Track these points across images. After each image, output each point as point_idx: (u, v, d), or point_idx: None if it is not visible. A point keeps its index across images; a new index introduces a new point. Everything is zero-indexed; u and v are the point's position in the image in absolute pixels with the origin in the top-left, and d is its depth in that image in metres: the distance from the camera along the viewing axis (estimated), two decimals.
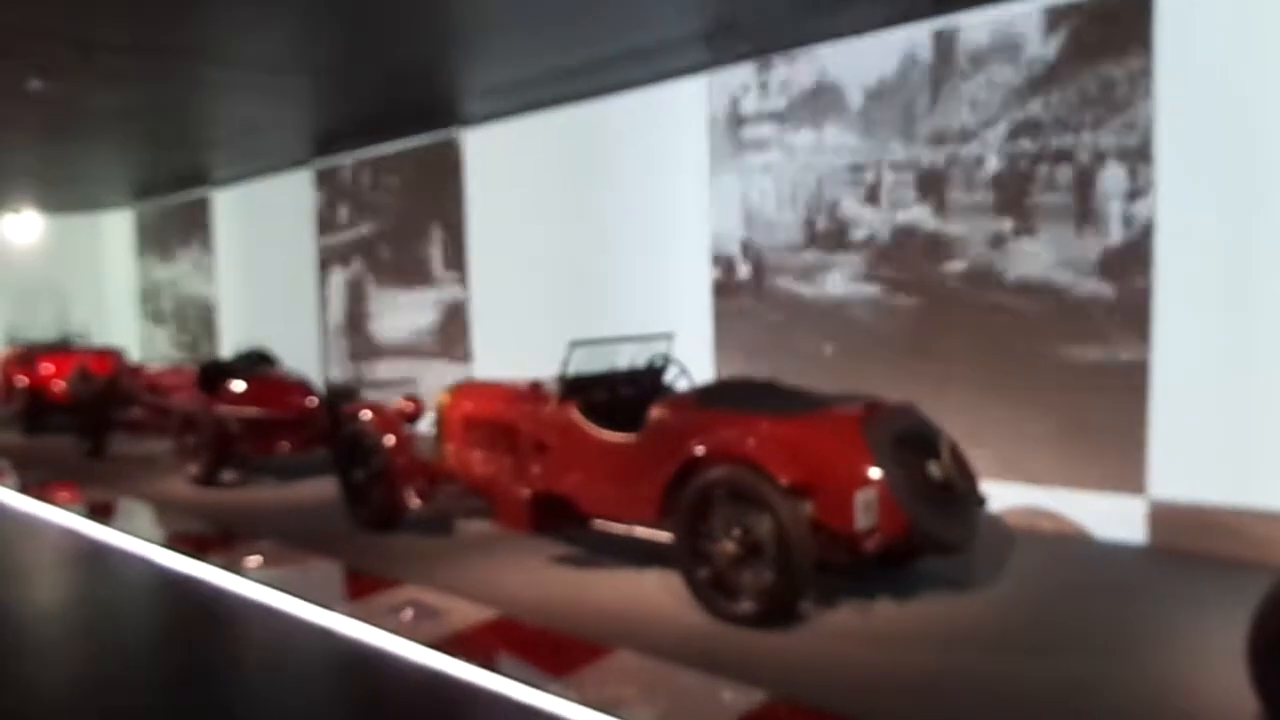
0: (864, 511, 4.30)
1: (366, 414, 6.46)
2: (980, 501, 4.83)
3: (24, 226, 17.95)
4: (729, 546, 4.45)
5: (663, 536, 4.96)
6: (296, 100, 9.36)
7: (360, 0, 6.50)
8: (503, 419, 5.88)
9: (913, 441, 4.71)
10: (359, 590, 5.29)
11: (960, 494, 4.67)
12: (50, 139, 11.13)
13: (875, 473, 4.40)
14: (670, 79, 8.24)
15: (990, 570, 5.23)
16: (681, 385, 5.99)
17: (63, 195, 16.39)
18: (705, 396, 5.09)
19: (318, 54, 7.98)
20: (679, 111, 8.25)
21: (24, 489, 8.50)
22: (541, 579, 5.30)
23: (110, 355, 11.73)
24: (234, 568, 5.76)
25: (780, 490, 4.30)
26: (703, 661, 4.05)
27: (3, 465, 9.82)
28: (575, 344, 5.46)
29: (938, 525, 4.50)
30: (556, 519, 5.42)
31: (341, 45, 7.67)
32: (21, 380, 12.01)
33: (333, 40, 7.53)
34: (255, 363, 9.58)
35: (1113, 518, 5.82)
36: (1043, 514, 6.07)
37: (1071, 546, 5.87)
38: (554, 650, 4.34)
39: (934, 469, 4.61)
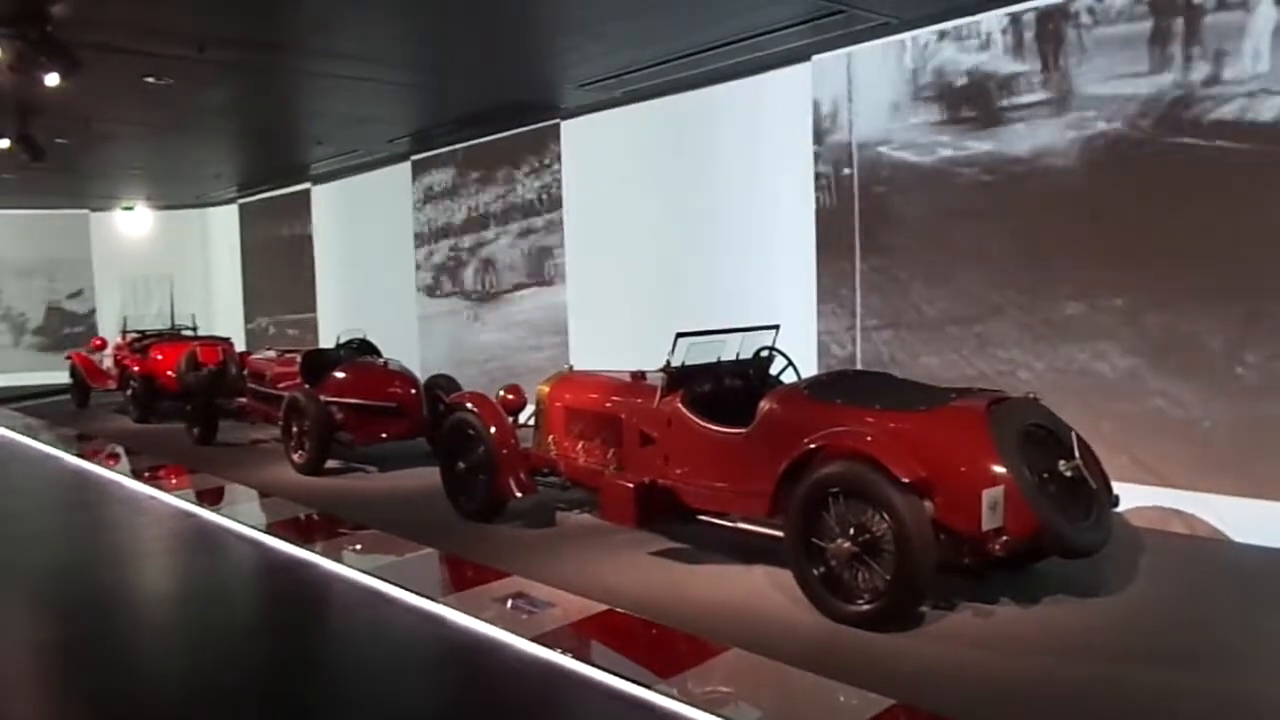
0: (990, 511, 4.08)
1: (469, 404, 6.45)
2: (1113, 501, 4.55)
3: (137, 221, 18.72)
4: (844, 545, 4.28)
5: (774, 532, 4.81)
6: (397, 94, 9.46)
7: None
8: (606, 410, 5.81)
9: (1041, 437, 4.47)
10: (464, 580, 5.28)
11: (1092, 493, 4.40)
12: (161, 135, 11.52)
13: (1002, 470, 4.17)
14: (773, 68, 8.06)
15: (1121, 573, 4.93)
16: (788, 378, 5.83)
17: (172, 190, 17.03)
18: (818, 389, 4.91)
19: (419, 47, 8.04)
20: (782, 98, 8.05)
21: (136, 473, 8.80)
22: (647, 573, 5.20)
23: (218, 344, 12.06)
24: (338, 554, 5.82)
25: (899, 487, 4.11)
26: (817, 663, 3.90)
27: (117, 450, 10.20)
28: (681, 335, 5.35)
29: (1069, 526, 4.25)
30: (662, 512, 5.30)
31: (443, 39, 7.70)
32: (134, 368, 12.47)
33: (434, 33, 7.57)
34: (357, 352, 9.74)
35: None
36: (1178, 514, 5.73)
37: (1208, 549, 5.53)
38: (662, 646, 4.24)
39: (1064, 466, 4.36)
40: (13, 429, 12.03)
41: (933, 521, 4.14)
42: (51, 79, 6.86)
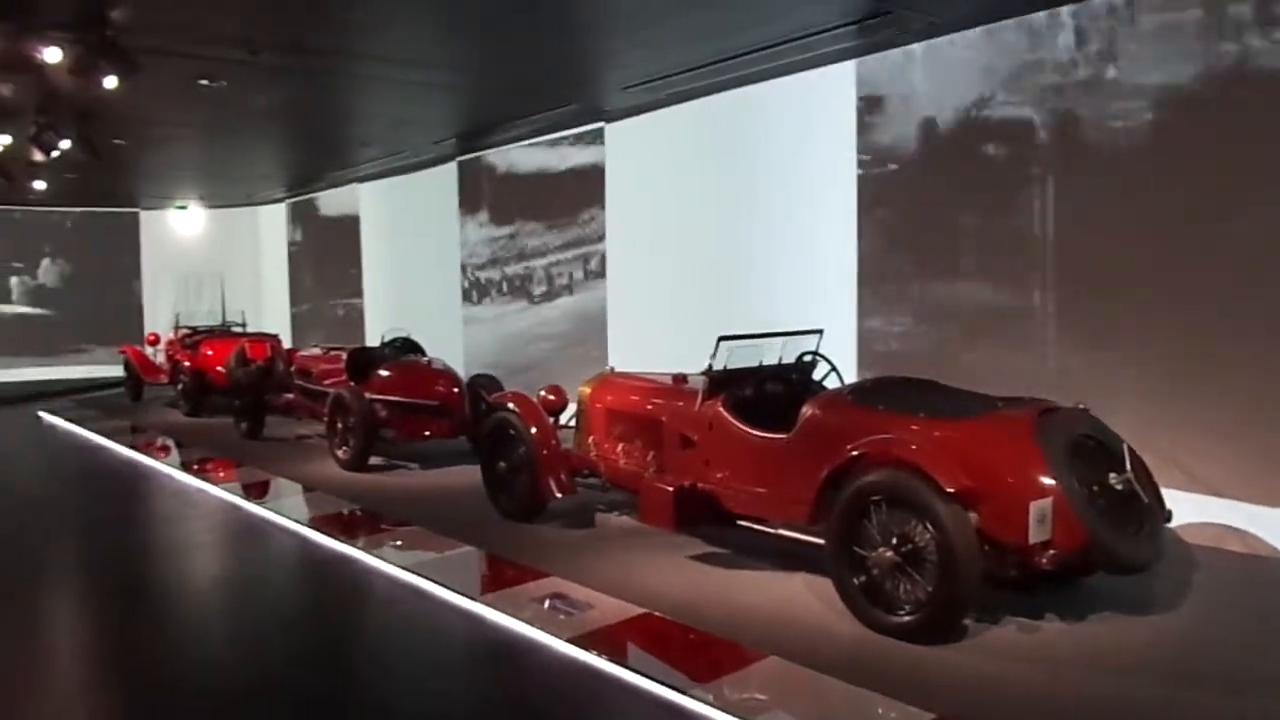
0: (1038, 523, 3.99)
1: (510, 403, 6.48)
2: (1166, 516, 4.44)
3: (190, 219, 19.11)
4: (886, 554, 4.21)
5: (814, 540, 4.75)
6: (442, 96, 9.55)
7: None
8: (646, 412, 5.80)
9: (1091, 449, 4.37)
10: (503, 579, 5.30)
11: (1144, 507, 4.29)
12: (214, 136, 11.75)
13: (1050, 481, 4.08)
14: (817, 66, 7.99)
15: (1174, 590, 4.80)
16: (831, 383, 5.77)
17: (223, 189, 17.36)
18: (861, 395, 4.85)
19: (464, 50, 8.10)
20: (827, 97, 7.98)
21: (186, 466, 8.97)
22: (685, 577, 5.18)
23: (266, 340, 12.25)
24: (380, 550, 5.87)
25: (944, 497, 4.04)
26: (856, 674, 3.84)
27: (168, 443, 10.41)
28: (723, 339, 5.31)
29: (1120, 541, 4.14)
30: (701, 516, 5.27)
31: (488, 42, 7.75)
32: (185, 363, 12.71)
33: (480, 37, 7.62)
34: (401, 350, 9.83)
35: None
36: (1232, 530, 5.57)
37: (1268, 567, 5.37)
38: (699, 651, 4.22)
39: (1115, 479, 4.25)
40: (71, 420, 12.34)
41: (978, 533, 4.07)
42: (110, 82, 7.01)
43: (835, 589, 4.48)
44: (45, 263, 18.59)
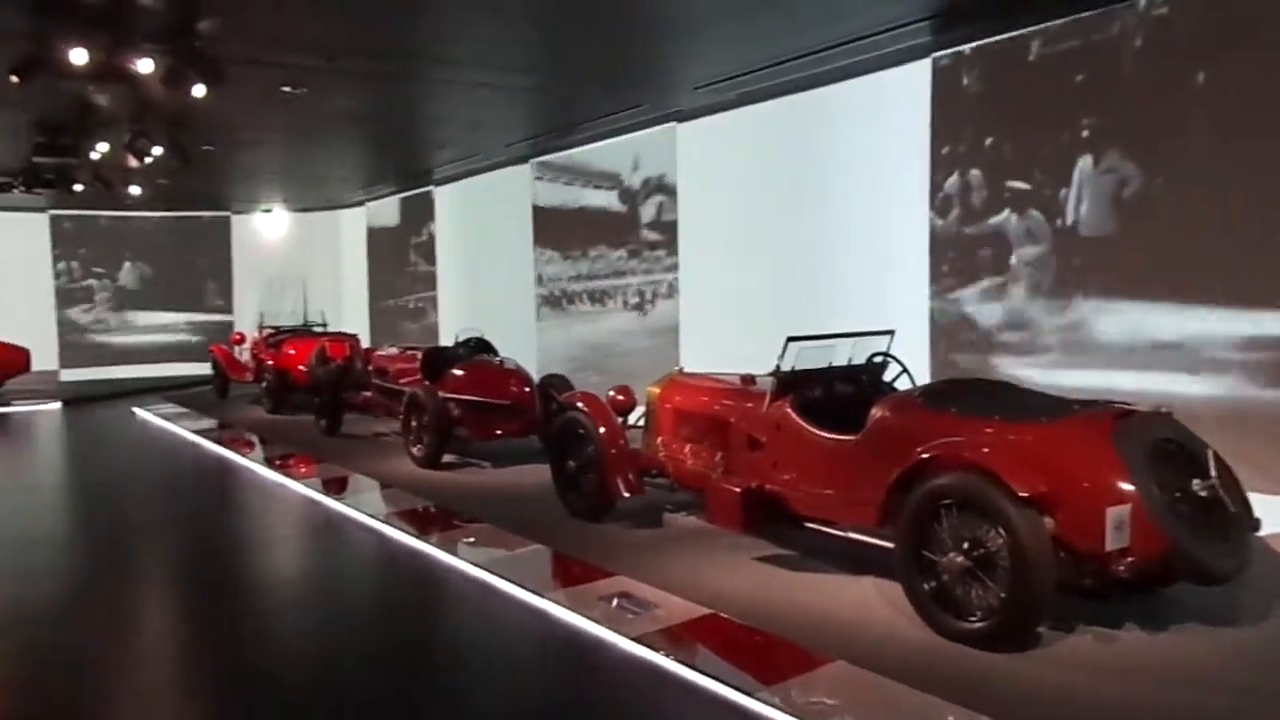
0: (1115, 530, 3.88)
1: (579, 403, 6.54)
2: (1254, 525, 4.27)
3: (273, 223, 19.72)
4: (957, 559, 4.14)
5: (883, 543, 4.70)
6: (515, 98, 9.67)
7: (578, 2, 6.59)
8: (714, 413, 5.79)
9: (1172, 453, 4.22)
10: (571, 577, 5.35)
11: (1230, 515, 4.14)
12: (295, 141, 12.11)
13: (1129, 487, 3.96)
14: (890, 66, 7.89)
15: (1261, 602, 4.62)
16: (902, 384, 5.69)
17: (305, 193, 17.87)
18: (932, 397, 4.77)
19: (537, 53, 8.20)
20: (900, 97, 7.87)
21: (269, 461, 9.26)
22: (751, 578, 5.16)
23: (346, 340, 12.55)
24: (452, 547, 5.99)
25: (1017, 502, 3.95)
26: (924, 680, 3.78)
27: (252, 439, 10.76)
28: (791, 339, 5.28)
29: (1203, 550, 4.00)
30: (768, 518, 5.26)
31: (560, 44, 7.83)
32: (269, 362, 13.12)
33: (552, 39, 7.71)
34: (475, 350, 9.99)
35: None
36: None
37: None
38: (765, 654, 4.20)
39: (1199, 486, 4.11)
40: (162, 416, 12.84)
41: (1052, 539, 3.97)
42: (198, 90, 7.28)
43: (904, 593, 4.42)
44: (137, 264, 19.37)
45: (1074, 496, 3.99)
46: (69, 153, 10.79)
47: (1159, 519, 3.93)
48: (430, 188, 15.80)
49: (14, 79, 6.82)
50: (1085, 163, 6.49)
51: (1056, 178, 6.68)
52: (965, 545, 4.12)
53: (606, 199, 11.80)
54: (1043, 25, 6.67)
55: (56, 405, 14.51)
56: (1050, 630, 4.21)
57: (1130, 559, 3.91)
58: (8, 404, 14.34)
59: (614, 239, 11.73)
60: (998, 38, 6.97)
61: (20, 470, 10.30)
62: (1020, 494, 3.94)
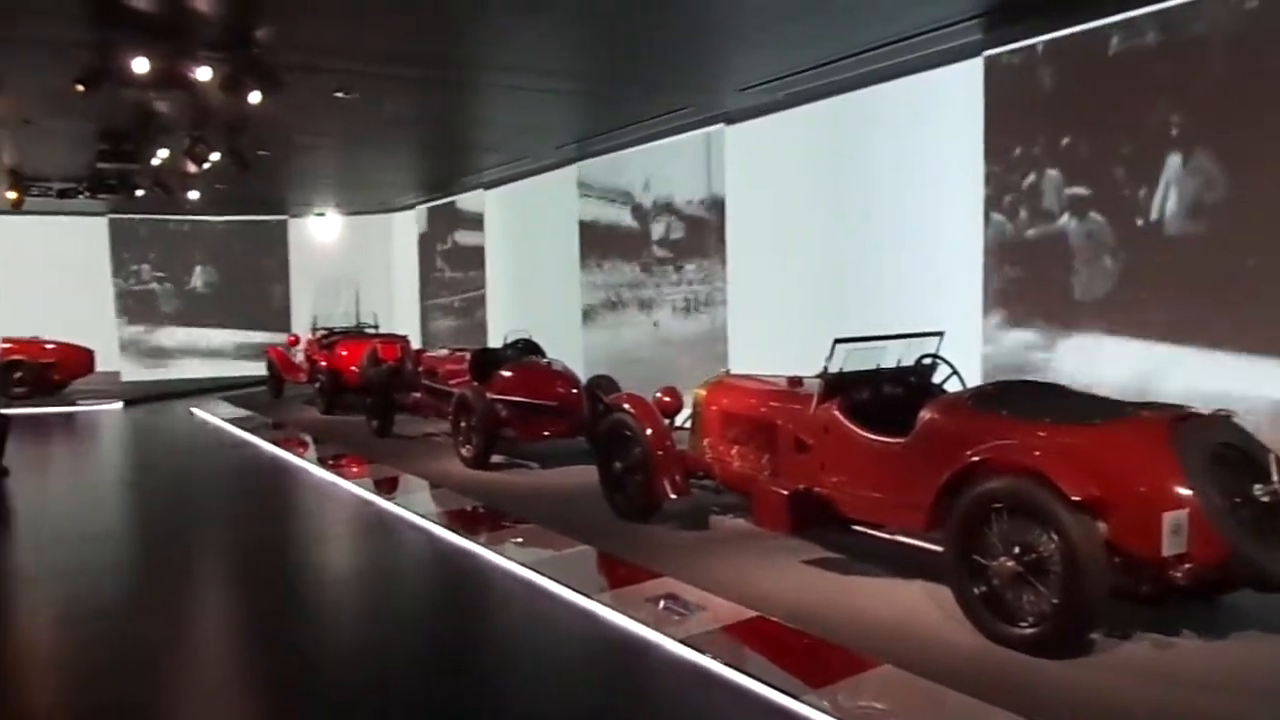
0: (1172, 535, 3.80)
1: (626, 405, 6.56)
2: None
3: (328, 226, 20.06)
4: (1008, 564, 4.09)
5: (932, 547, 4.65)
6: (564, 101, 9.74)
7: (621, 3, 6.61)
8: (761, 415, 5.78)
9: (1233, 458, 4.12)
10: (618, 578, 5.37)
11: None
12: (349, 145, 12.30)
13: (1187, 491, 3.88)
14: (940, 65, 7.79)
15: None
16: (952, 386, 5.62)
17: (359, 196, 18.15)
18: (983, 399, 4.71)
19: (586, 56, 8.25)
20: (952, 96, 7.77)
21: (322, 461, 9.43)
22: (798, 581, 5.14)
23: (397, 341, 12.71)
24: (500, 546, 6.04)
25: (1069, 506, 3.89)
26: (974, 686, 3.74)
27: (305, 439, 10.96)
28: (839, 341, 5.25)
29: (1264, 556, 3.90)
30: (815, 520, 5.23)
31: (609, 47, 7.86)
32: (322, 363, 13.34)
33: (601, 42, 7.74)
34: (523, 352, 10.07)
35: None
36: None
37: None
38: (813, 657, 4.18)
39: (1260, 491, 4.00)
40: (219, 416, 13.14)
41: (1107, 544, 3.91)
42: (255, 97, 7.45)
43: (954, 597, 4.37)
44: (197, 269, 19.82)
45: (1129, 501, 3.91)
46: (131, 159, 11.11)
47: (1218, 524, 3.84)
48: (480, 190, 15.97)
49: (80, 89, 7.04)
50: (1173, 161, 6.22)
51: (1136, 177, 6.42)
52: (1016, 550, 4.07)
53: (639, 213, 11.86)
54: (1111, 19, 6.48)
55: (118, 405, 14.92)
56: (1104, 637, 4.14)
57: (1188, 565, 3.83)
58: (73, 403, 14.78)
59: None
60: (1067, 32, 6.78)
61: (87, 469, 10.62)
62: (1073, 498, 3.88)
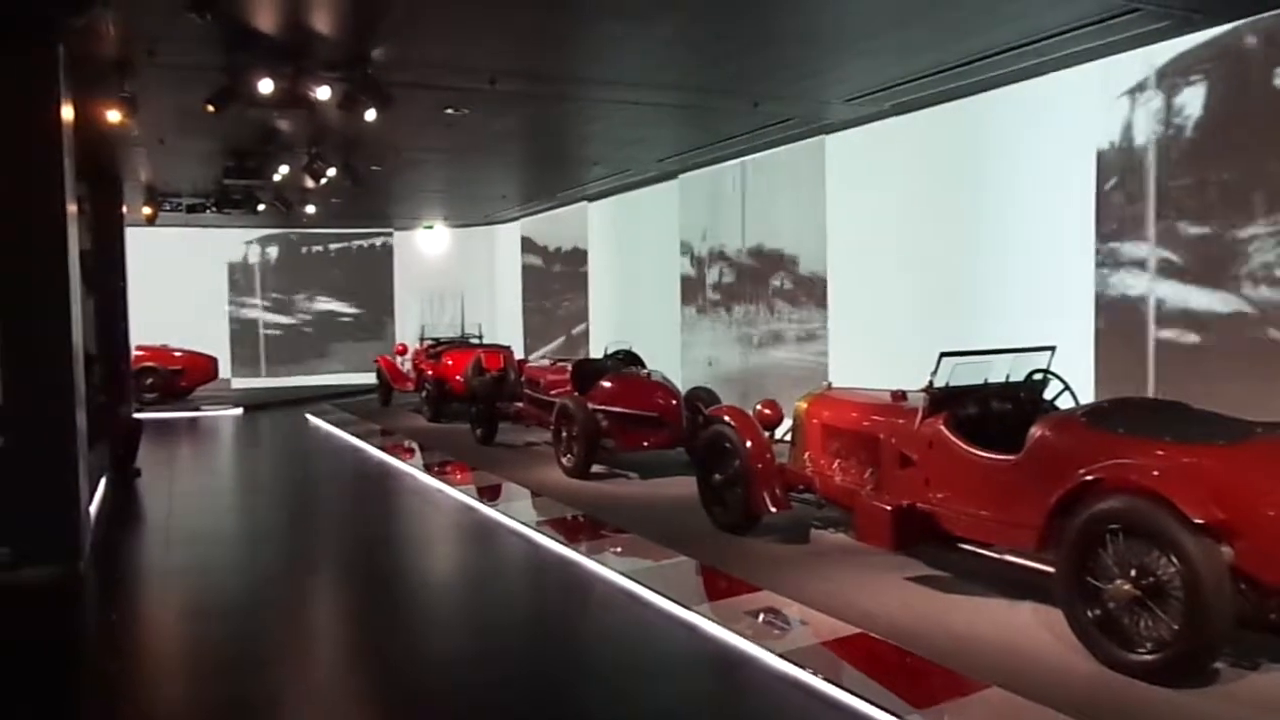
0: None
1: (726, 417, 6.56)
2: None
3: (435, 239, 20.63)
4: (1124, 587, 3.94)
5: (1043, 567, 4.51)
6: (667, 115, 9.81)
7: (726, 17, 6.64)
8: (864, 429, 5.71)
9: None
10: (717, 591, 5.37)
11: None
12: (457, 160, 12.64)
13: None
14: (1053, 70, 7.57)
15: None
16: (1064, 403, 5.45)
17: (465, 210, 18.61)
18: (1097, 416, 4.55)
19: (688, 69, 8.29)
20: (1066, 103, 7.54)
21: (427, 468, 9.69)
22: (901, 598, 5.05)
23: (500, 352, 12.99)
24: (600, 555, 6.11)
25: (1191, 528, 3.73)
26: (1087, 712, 3.62)
27: (412, 446, 11.28)
28: (945, 355, 5.15)
29: None
30: (920, 537, 5.14)
31: (711, 60, 7.88)
32: (429, 372, 13.73)
33: (703, 56, 7.77)
34: (623, 363, 10.16)
35: None
36: None
37: None
38: (916, 676, 4.10)
39: None
40: (331, 422, 13.65)
41: (1232, 569, 3.73)
42: (370, 114, 7.75)
43: (1066, 620, 4.24)
44: (319, 281, 20.59)
45: (1257, 525, 3.73)
46: (254, 175, 11.67)
47: None
48: (584, 203, 16.20)
49: (210, 109, 7.44)
50: None
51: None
52: (1133, 573, 3.92)
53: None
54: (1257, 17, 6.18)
55: (238, 411, 15.64)
56: (1230, 666, 3.95)
57: None
58: (198, 409, 15.57)
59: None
60: (1213, 32, 6.49)
61: (212, 470, 11.18)
62: (1195, 520, 3.72)
